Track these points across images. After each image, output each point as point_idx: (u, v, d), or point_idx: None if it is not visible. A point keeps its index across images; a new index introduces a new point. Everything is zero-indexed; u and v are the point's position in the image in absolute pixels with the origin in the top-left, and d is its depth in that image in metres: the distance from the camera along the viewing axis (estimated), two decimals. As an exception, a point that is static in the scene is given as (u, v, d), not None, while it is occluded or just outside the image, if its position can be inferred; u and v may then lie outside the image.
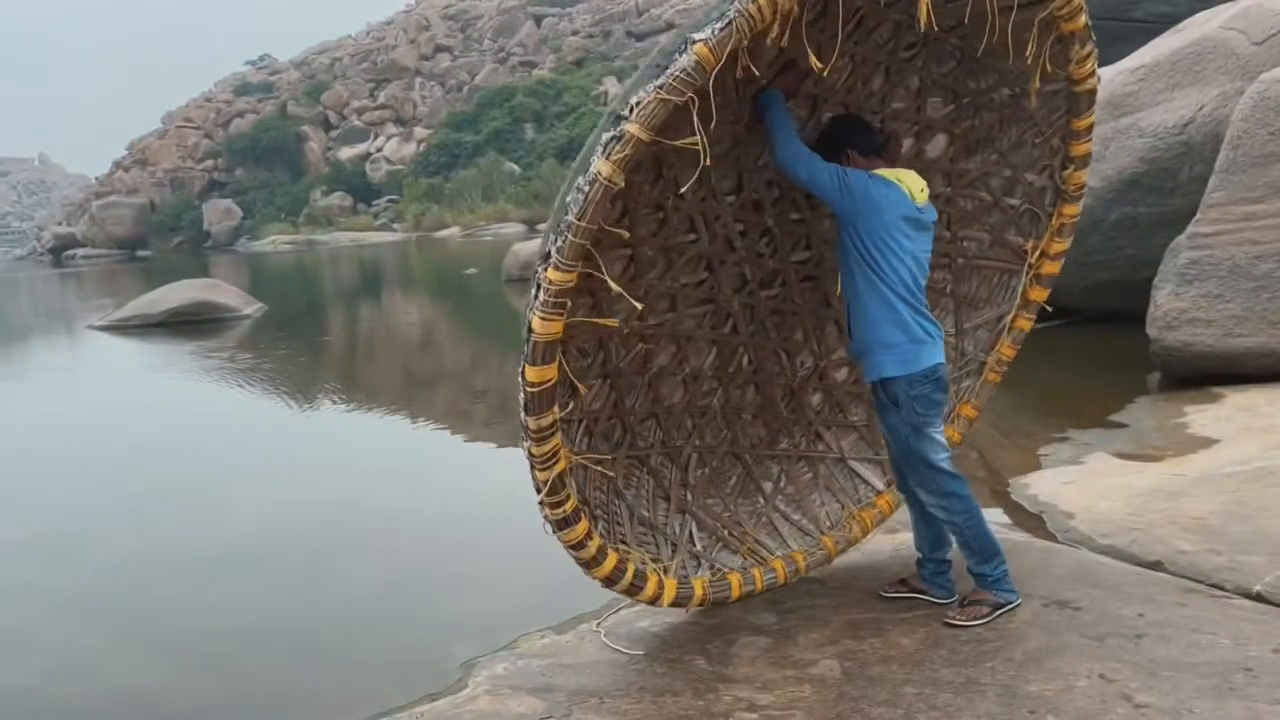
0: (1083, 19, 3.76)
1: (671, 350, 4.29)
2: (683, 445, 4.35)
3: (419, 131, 72.64)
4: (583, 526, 3.46)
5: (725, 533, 4.22)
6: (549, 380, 3.10)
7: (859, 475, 4.60)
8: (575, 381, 3.42)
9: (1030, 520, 4.98)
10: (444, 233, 53.32)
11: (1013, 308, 4.60)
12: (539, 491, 3.29)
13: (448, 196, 58.24)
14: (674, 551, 4.08)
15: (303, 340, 16.45)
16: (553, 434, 3.24)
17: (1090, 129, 4.20)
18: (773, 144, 3.58)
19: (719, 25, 2.84)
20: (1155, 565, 4.13)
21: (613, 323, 3.65)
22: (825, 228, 4.49)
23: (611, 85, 66.44)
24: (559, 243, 2.93)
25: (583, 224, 2.89)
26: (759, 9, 2.84)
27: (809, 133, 4.17)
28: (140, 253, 70.96)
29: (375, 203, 67.20)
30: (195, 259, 54.49)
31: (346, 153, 73.57)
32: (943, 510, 3.62)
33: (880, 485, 4.53)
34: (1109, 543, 4.42)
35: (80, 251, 75.20)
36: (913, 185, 3.59)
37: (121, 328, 18.10)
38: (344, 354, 15.34)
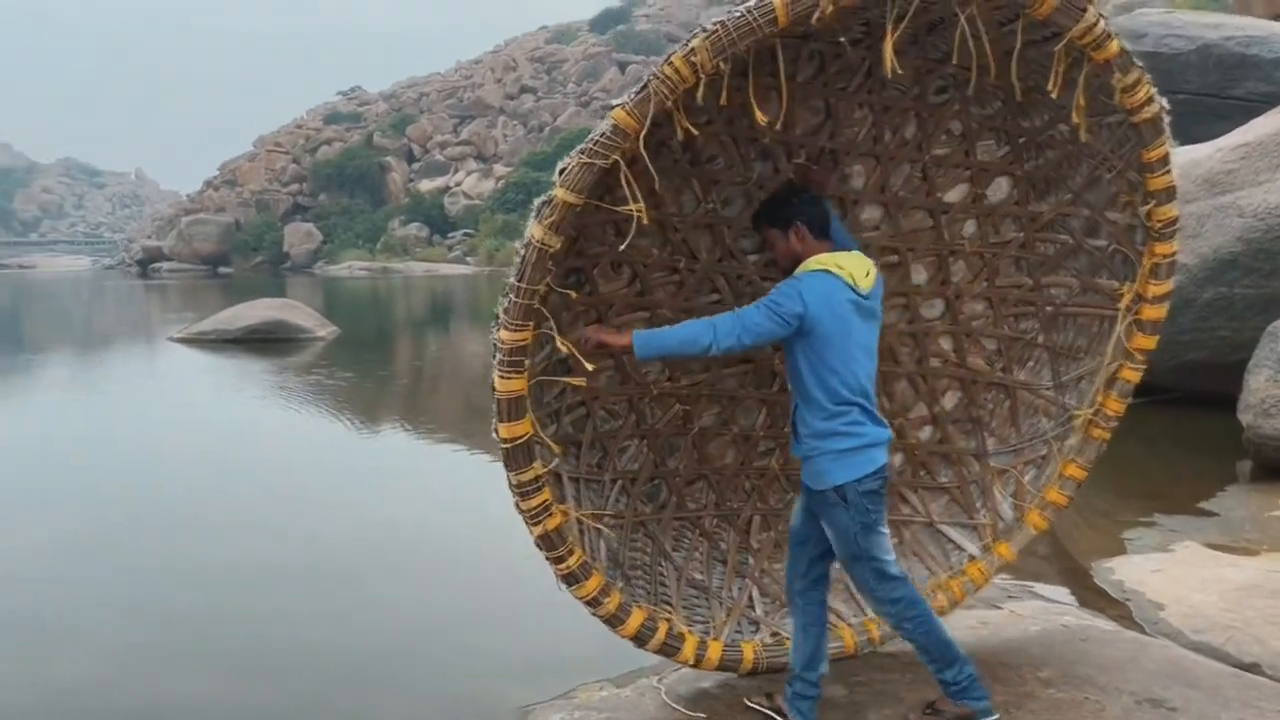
0: (1114, 46, 3.41)
1: (715, 411, 4.20)
2: (740, 508, 4.25)
3: (498, 168, 73.90)
4: (594, 582, 3.39)
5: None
6: (522, 436, 3.14)
7: (950, 540, 4.36)
8: (546, 441, 3.31)
9: (1114, 607, 4.75)
10: (516, 269, 53.75)
11: (1114, 357, 4.11)
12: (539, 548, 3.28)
13: (522, 233, 58.95)
14: (728, 615, 3.96)
15: (373, 364, 16.65)
16: (538, 489, 3.23)
17: (1165, 160, 3.76)
18: (697, 351, 3.26)
19: (636, 90, 2.87)
20: (1252, 667, 3.89)
21: (579, 381, 3.50)
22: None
23: (691, 134, 66.66)
24: (505, 304, 3.02)
25: (523, 285, 2.97)
26: (675, 71, 2.85)
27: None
28: (222, 269, 72.98)
29: (451, 235, 68.30)
30: (273, 279, 55.85)
31: (427, 185, 75.08)
32: (892, 616, 3.32)
33: (974, 550, 4.27)
34: (1202, 639, 4.18)
35: (166, 265, 77.58)
36: (856, 270, 3.26)
37: (199, 341, 18.52)
38: (411, 380, 15.47)
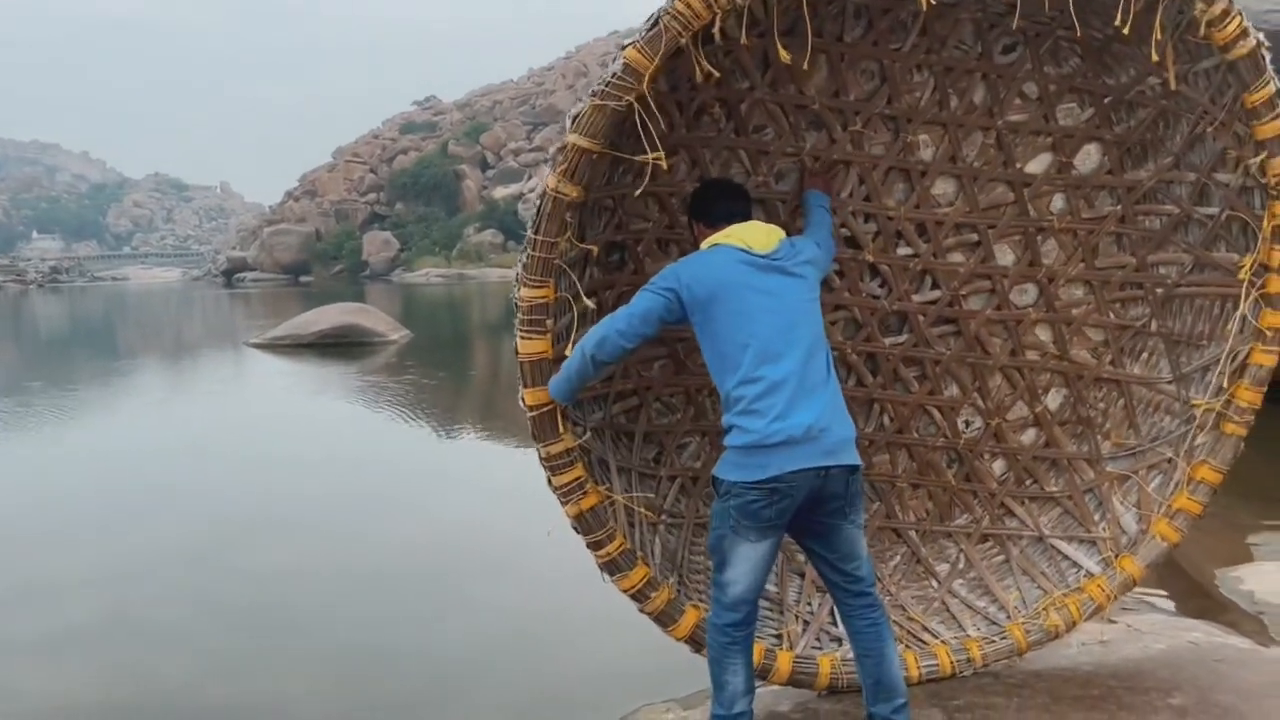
0: None
1: None
2: None
3: (572, 173, 73.92)
4: (639, 574, 3.11)
5: None
6: (548, 403, 2.96)
7: (1065, 556, 3.88)
8: (560, 420, 3.00)
9: (1247, 622, 4.23)
10: (588, 272, 53.85)
11: (1242, 340, 3.46)
12: (576, 531, 3.04)
13: (595, 238, 59.05)
14: (805, 629, 3.57)
15: (443, 367, 16.52)
16: (570, 464, 3.00)
17: (1272, 104, 3.15)
18: (589, 364, 2.90)
19: (647, 27, 2.73)
20: None
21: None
22: (957, 262, 3.95)
23: (764, 134, 66.18)
24: (523, 259, 2.88)
25: (539, 237, 2.83)
26: (686, 5, 2.69)
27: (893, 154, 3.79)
28: (303, 278, 74.46)
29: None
30: (352, 286, 56.73)
31: (501, 192, 75.64)
32: (708, 632, 2.93)
33: (1094, 567, 3.74)
34: (1355, 659, 3.64)
35: (250, 274, 79.60)
36: (750, 236, 2.92)
37: (275, 346, 18.68)
38: (482, 382, 15.30)
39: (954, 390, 4.06)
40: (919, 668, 3.42)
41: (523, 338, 2.93)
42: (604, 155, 2.89)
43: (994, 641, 3.54)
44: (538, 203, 2.87)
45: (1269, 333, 3.37)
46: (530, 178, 76.10)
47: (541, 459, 3.00)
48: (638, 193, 3.31)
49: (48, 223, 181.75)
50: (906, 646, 3.51)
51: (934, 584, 3.90)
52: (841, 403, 2.88)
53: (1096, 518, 3.89)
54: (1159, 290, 3.86)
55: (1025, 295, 4.02)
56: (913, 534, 4.05)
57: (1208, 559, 5.13)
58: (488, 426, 10.86)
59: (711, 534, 2.88)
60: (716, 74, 3.08)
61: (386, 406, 11.96)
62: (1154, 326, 3.89)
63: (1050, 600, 3.65)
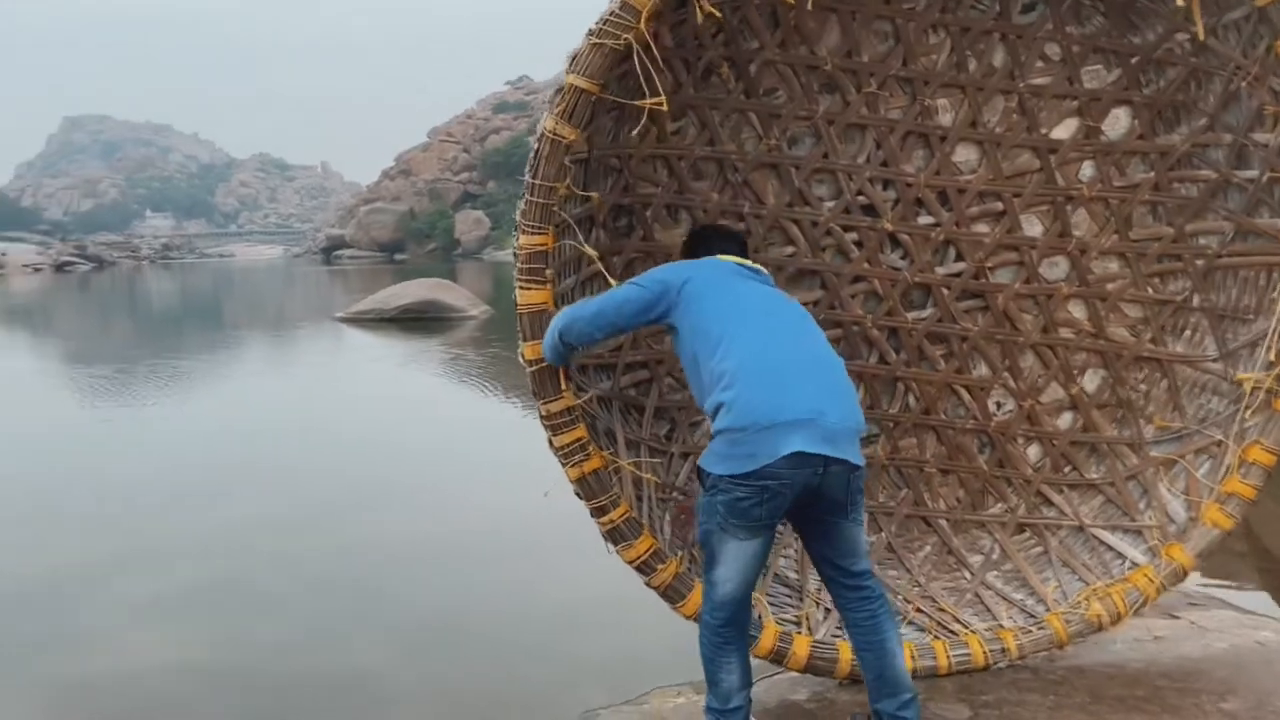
0: None
1: None
2: None
3: (661, 151, 73.65)
4: (645, 544, 2.97)
5: (911, 608, 3.45)
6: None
7: (1108, 546, 3.60)
8: (562, 377, 2.88)
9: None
10: (676, 251, 53.57)
11: None
12: (579, 496, 2.92)
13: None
14: (826, 615, 3.38)
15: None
16: (571, 424, 2.87)
17: None
18: (559, 343, 2.79)
19: None
20: None
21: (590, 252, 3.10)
22: (981, 233, 3.74)
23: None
24: (521, 206, 2.79)
25: (536, 181, 2.74)
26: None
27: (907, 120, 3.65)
28: (397, 256, 75.92)
29: (614, 218, 68.76)
30: (444, 264, 57.66)
31: (591, 170, 75.76)
32: (701, 628, 2.73)
33: (1140, 557, 3.46)
34: None
35: (347, 252, 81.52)
36: (733, 259, 2.84)
37: (359, 320, 19.05)
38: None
39: (983, 370, 3.85)
40: (949, 657, 3.20)
41: (521, 288, 2.83)
42: (605, 104, 2.82)
43: (1030, 632, 3.30)
44: (534, 145, 2.79)
45: None
46: (620, 156, 76.06)
47: (541, 417, 2.88)
48: (641, 141, 3.28)
49: (160, 201, 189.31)
50: (935, 636, 3.30)
51: (966, 575, 3.66)
52: (846, 389, 2.64)
53: (1141, 506, 3.61)
54: (1199, 262, 3.60)
55: (1056, 269, 3.80)
56: (943, 523, 3.83)
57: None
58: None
59: (699, 528, 2.68)
60: (715, 12, 2.94)
61: (468, 379, 12.11)
62: (1196, 301, 3.63)
63: (1092, 590, 3.38)
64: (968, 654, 3.22)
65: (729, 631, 2.65)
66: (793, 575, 3.50)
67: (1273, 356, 3.20)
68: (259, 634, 4.58)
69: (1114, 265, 3.75)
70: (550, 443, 2.89)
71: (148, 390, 12.12)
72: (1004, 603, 3.51)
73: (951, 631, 3.33)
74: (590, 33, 2.68)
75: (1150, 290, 3.70)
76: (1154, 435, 3.69)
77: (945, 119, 3.66)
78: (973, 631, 3.33)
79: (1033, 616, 3.40)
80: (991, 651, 3.23)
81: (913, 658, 3.13)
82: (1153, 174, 3.61)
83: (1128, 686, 3.04)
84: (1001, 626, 3.35)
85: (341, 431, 9.39)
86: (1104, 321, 3.76)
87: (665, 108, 2.85)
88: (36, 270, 54.79)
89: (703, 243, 3.01)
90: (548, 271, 2.83)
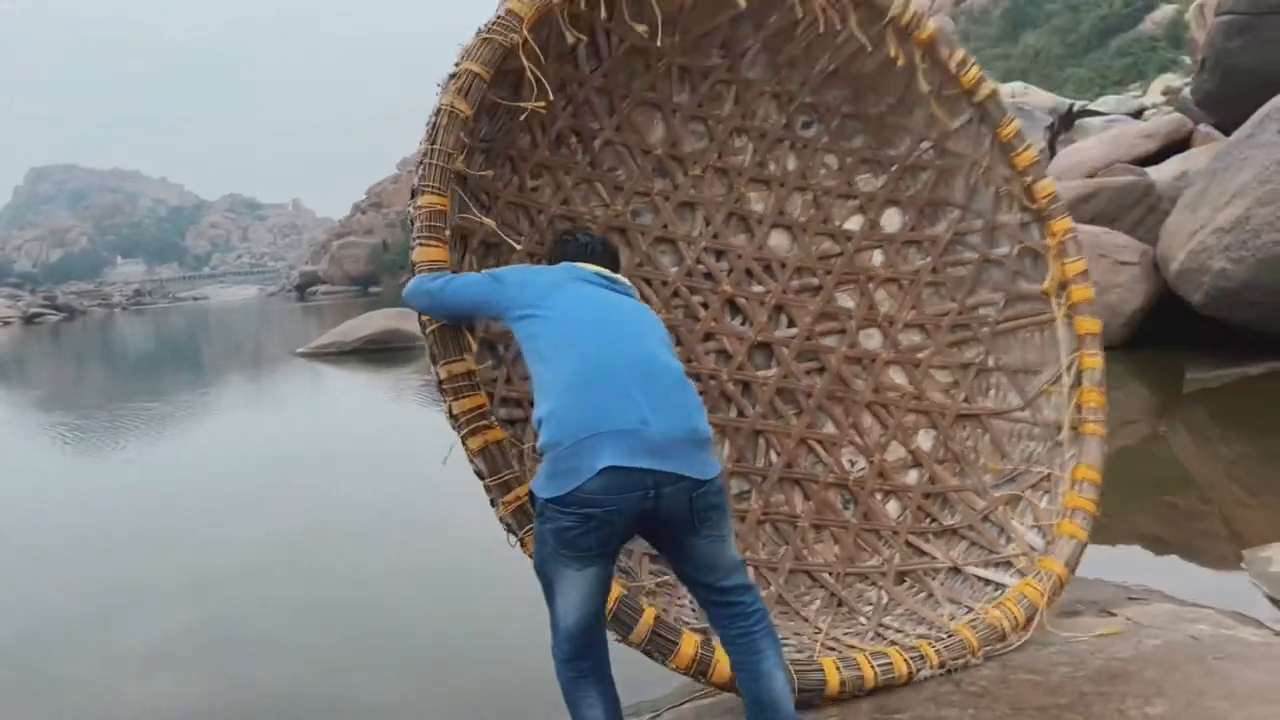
0: (931, 26, 3.75)
1: None
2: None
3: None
4: None
5: (816, 644, 3.32)
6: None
7: (986, 580, 3.69)
8: (466, 336, 2.87)
9: (1268, 608, 3.71)
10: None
11: (1069, 352, 3.84)
12: (480, 476, 2.80)
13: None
14: None
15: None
16: (473, 389, 2.79)
17: (1021, 136, 3.89)
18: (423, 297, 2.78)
19: None
20: None
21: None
22: (807, 302, 4.23)
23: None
24: (420, 173, 2.94)
25: (436, 147, 2.91)
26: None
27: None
28: (372, 289, 75.46)
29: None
30: (417, 295, 57.23)
31: (560, 193, 75.83)
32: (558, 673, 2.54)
33: (1016, 580, 3.53)
34: (1391, 654, 3.11)
35: (321, 288, 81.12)
36: (591, 267, 2.72)
37: (321, 354, 18.79)
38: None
39: (830, 427, 4.19)
40: (874, 668, 3.01)
41: (421, 244, 2.83)
42: (493, 94, 3.12)
43: (944, 639, 3.17)
44: (432, 119, 2.96)
45: (1087, 338, 3.77)
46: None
47: (440, 381, 2.76)
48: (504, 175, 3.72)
49: (130, 247, 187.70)
50: (854, 657, 3.10)
51: (862, 620, 3.59)
52: (678, 395, 2.42)
53: (1002, 541, 3.80)
54: (985, 329, 4.17)
55: (872, 340, 4.30)
56: (827, 576, 3.81)
57: (1247, 535, 4.61)
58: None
59: (535, 555, 2.48)
60: (583, 38, 3.46)
61: (419, 405, 11.86)
62: (991, 362, 4.15)
63: (986, 605, 3.41)
64: (889, 662, 3.03)
65: (581, 665, 2.45)
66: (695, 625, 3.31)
67: (1068, 396, 3.74)
68: (252, 672, 4.44)
69: (918, 337, 4.28)
70: (449, 410, 2.75)
71: (104, 437, 11.84)
72: (907, 634, 3.40)
73: (868, 656, 3.15)
74: (480, 30, 3.02)
75: (953, 358, 4.21)
76: (993, 480, 3.99)
77: (758, 207, 4.22)
78: (891, 643, 3.18)
79: (941, 636, 3.24)
80: (912, 659, 3.04)
81: (838, 669, 2.95)
82: (929, 260, 4.28)
83: (1051, 694, 2.85)
84: (920, 638, 3.20)
85: (303, 465, 9.16)
86: (921, 386, 4.21)
87: (545, 105, 3.19)
88: (5, 324, 54.09)
89: (565, 250, 2.86)
90: (445, 232, 2.83)
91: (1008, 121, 3.86)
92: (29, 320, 56.80)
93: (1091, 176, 14.84)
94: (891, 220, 4.32)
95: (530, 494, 2.46)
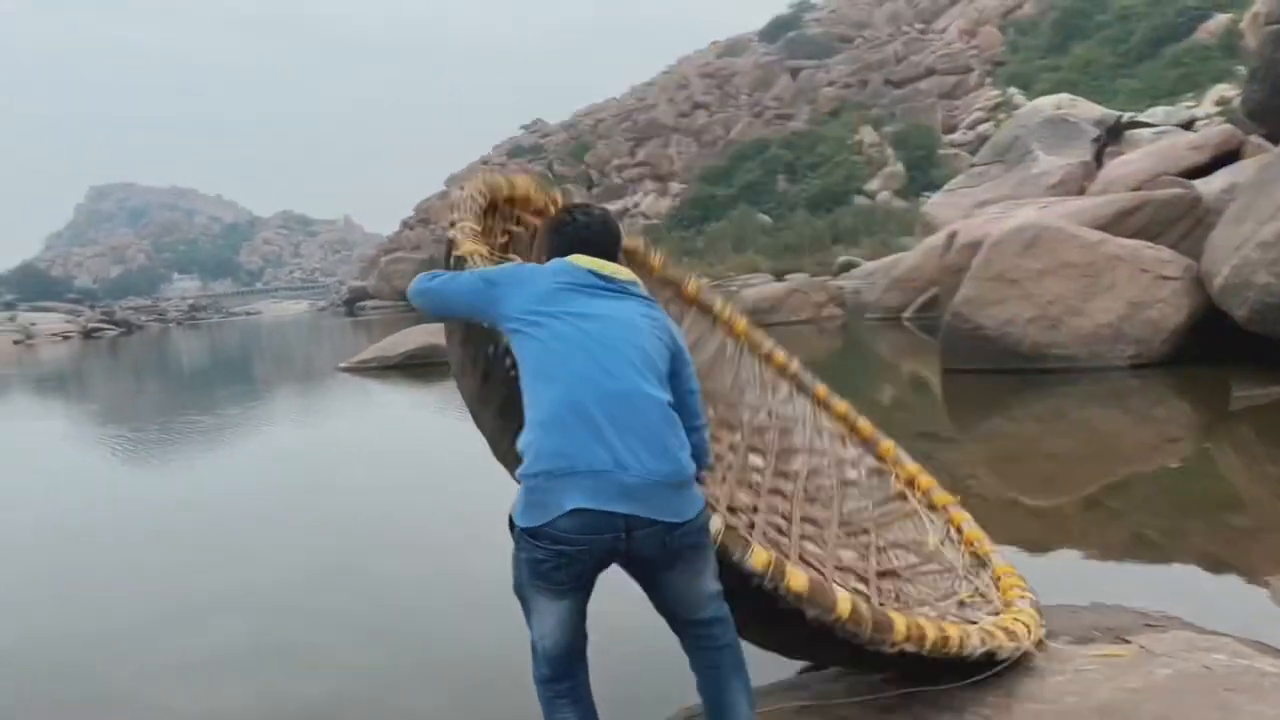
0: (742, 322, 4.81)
1: None
2: None
3: (674, 186, 74.14)
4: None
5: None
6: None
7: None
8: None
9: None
10: (693, 284, 53.56)
11: (942, 524, 4.21)
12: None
13: (699, 250, 58.70)
14: None
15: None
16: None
17: (830, 392, 4.78)
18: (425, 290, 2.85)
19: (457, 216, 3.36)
20: None
21: None
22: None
23: (867, 134, 64.97)
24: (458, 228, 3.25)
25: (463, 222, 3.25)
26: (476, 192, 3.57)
27: None
28: (419, 304, 76.42)
29: (631, 256, 68.96)
30: (464, 309, 57.79)
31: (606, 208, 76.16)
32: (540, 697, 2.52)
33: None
34: None
35: (370, 303, 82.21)
36: (599, 266, 2.57)
37: (363, 369, 19.04)
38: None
39: None
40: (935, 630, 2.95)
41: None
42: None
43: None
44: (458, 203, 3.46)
45: (950, 507, 4.26)
46: (634, 193, 76.47)
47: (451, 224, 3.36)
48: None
49: (187, 264, 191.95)
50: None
51: None
52: (667, 435, 2.36)
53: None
54: (868, 523, 4.38)
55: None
56: None
57: (1265, 564, 4.48)
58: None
59: (513, 577, 2.46)
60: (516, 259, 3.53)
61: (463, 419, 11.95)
62: (883, 542, 4.27)
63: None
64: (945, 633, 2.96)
65: (558, 686, 2.44)
66: None
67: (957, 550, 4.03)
68: (300, 688, 4.45)
69: (810, 529, 4.36)
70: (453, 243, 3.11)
71: (155, 450, 12.11)
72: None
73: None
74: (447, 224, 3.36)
75: (851, 540, 4.34)
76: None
77: None
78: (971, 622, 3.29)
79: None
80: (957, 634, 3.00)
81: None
82: (797, 485, 4.57)
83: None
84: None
85: (346, 479, 9.24)
86: (837, 554, 4.21)
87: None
88: (65, 338, 55.56)
89: (563, 233, 2.71)
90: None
91: (820, 386, 4.80)
92: (88, 335, 58.26)
93: (1136, 190, 14.59)
94: (755, 462, 4.69)
95: (510, 518, 2.43)
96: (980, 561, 3.95)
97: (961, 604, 3.76)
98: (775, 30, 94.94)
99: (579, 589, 2.36)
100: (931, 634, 2.88)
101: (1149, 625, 3.68)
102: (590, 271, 2.54)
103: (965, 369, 11.30)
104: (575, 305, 2.46)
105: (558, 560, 2.27)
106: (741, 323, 4.78)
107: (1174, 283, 10.60)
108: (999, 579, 3.77)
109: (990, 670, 3.07)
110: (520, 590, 2.42)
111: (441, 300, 2.69)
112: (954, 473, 6.87)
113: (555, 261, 2.61)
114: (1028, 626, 3.29)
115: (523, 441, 2.35)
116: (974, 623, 3.36)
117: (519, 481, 2.39)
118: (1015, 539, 4.98)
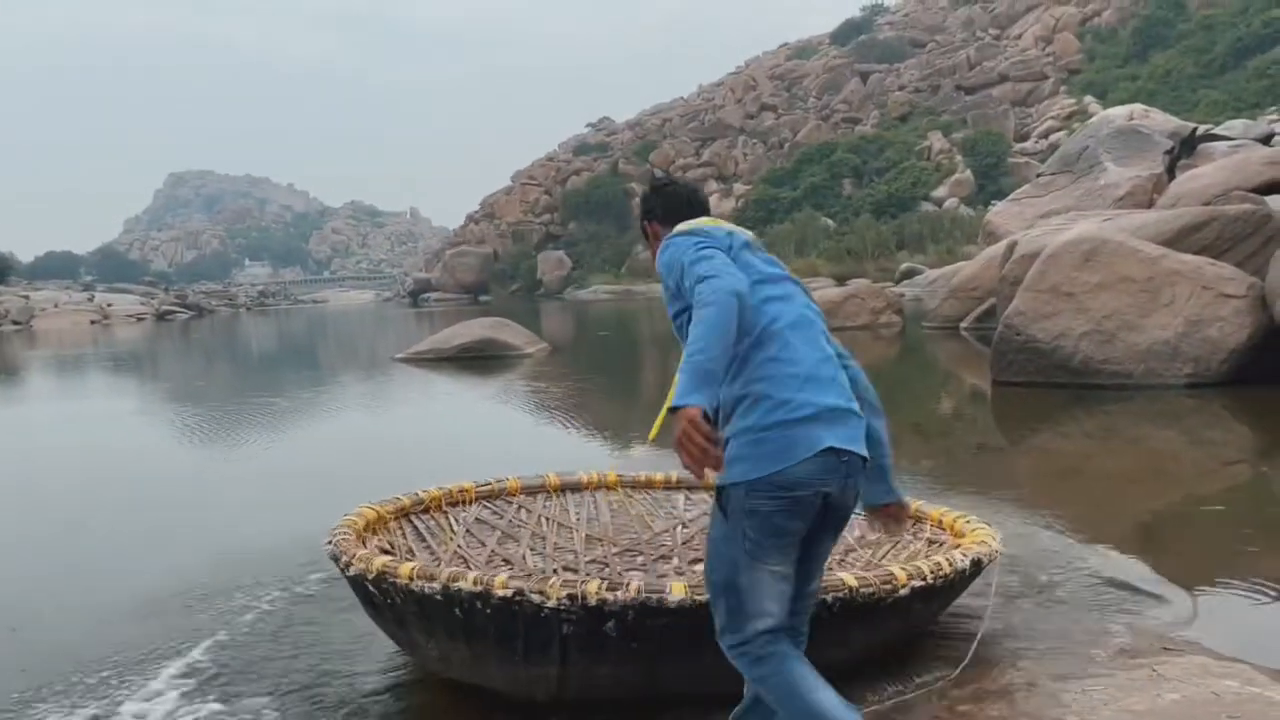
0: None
1: None
2: None
3: (738, 188, 73.98)
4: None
5: None
6: None
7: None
8: None
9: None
10: (753, 286, 53.45)
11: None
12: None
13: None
14: None
15: (569, 379, 16.62)
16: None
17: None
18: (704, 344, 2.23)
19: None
20: None
21: None
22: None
23: (936, 140, 64.13)
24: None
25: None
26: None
27: None
28: (482, 297, 77.35)
29: (693, 256, 68.92)
30: (527, 304, 58.50)
31: (669, 208, 76.19)
32: (761, 690, 2.36)
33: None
34: None
35: (434, 294, 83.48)
36: (722, 224, 2.65)
37: (418, 360, 19.31)
38: (603, 393, 15.25)
39: None
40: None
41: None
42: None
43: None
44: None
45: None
46: (698, 193, 76.37)
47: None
48: None
49: (258, 250, 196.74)
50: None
51: None
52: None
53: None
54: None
55: None
56: None
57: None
58: (598, 433, 10.73)
59: (714, 572, 2.35)
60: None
61: (518, 411, 12.20)
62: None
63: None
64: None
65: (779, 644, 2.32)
66: None
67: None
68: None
69: None
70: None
71: (227, 428, 12.37)
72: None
73: None
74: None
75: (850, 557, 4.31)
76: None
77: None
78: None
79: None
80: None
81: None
82: None
83: None
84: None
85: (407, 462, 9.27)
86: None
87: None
88: (140, 319, 57.16)
89: (677, 199, 2.82)
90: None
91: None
92: (160, 317, 59.91)
93: (1207, 204, 14.23)
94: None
95: (718, 489, 2.33)
96: (918, 518, 4.21)
97: (930, 547, 4.06)
98: (847, 33, 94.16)
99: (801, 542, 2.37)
100: (927, 568, 3.25)
101: (1166, 649, 3.62)
102: (744, 239, 2.67)
103: (1015, 381, 11.13)
104: (763, 268, 2.59)
105: (794, 508, 2.26)
106: (612, 475, 4.96)
107: (1236, 301, 10.32)
108: (939, 522, 4.14)
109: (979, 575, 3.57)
110: (734, 578, 2.30)
111: (728, 309, 2.24)
112: (1000, 487, 6.81)
113: (700, 224, 2.62)
114: (992, 538, 3.74)
115: (751, 385, 2.32)
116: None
117: (735, 433, 2.32)
118: (1062, 553, 4.91)
